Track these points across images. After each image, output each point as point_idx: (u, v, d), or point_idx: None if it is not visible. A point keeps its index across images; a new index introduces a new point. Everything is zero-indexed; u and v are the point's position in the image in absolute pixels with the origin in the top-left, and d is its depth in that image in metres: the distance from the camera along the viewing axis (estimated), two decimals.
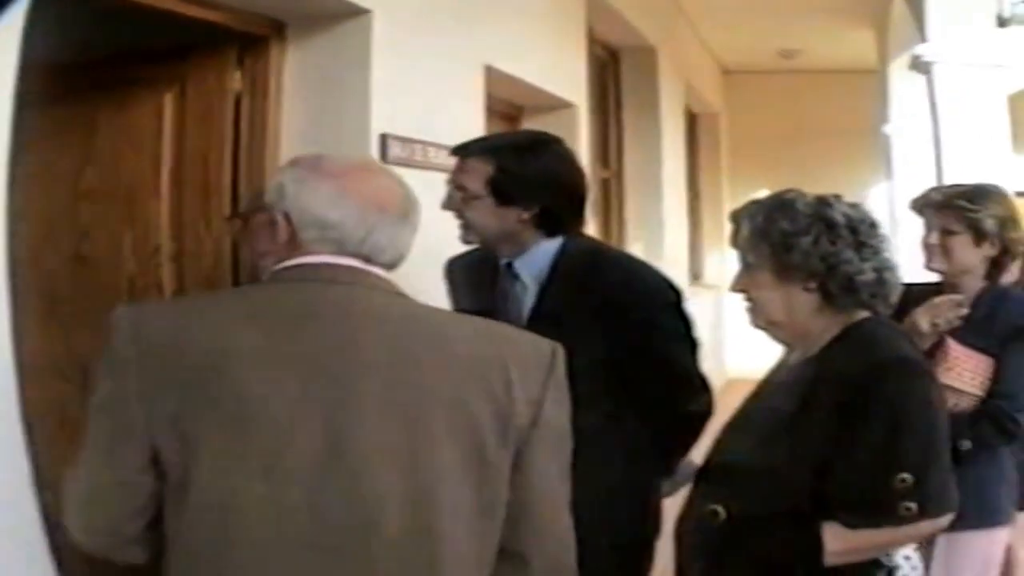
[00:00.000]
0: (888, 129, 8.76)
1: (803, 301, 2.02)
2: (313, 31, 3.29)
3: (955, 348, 2.78)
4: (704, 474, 2.15)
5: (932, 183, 4.32)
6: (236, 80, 3.22)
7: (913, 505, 1.86)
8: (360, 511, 1.44)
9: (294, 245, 1.57)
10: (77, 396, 2.48)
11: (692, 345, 2.54)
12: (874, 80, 9.40)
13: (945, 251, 2.90)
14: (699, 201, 10.55)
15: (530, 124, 5.38)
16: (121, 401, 1.45)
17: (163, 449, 1.44)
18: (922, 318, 2.73)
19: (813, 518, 1.90)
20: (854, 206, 2.04)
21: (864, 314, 2.03)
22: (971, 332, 2.81)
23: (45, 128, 3.04)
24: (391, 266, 1.61)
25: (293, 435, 1.44)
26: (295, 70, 3.29)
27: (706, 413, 2.54)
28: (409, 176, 1.71)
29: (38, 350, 2.55)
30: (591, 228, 5.82)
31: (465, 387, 1.51)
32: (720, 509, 1.96)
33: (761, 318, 2.08)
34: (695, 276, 9.86)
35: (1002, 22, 6.06)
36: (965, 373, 2.78)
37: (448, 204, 2.46)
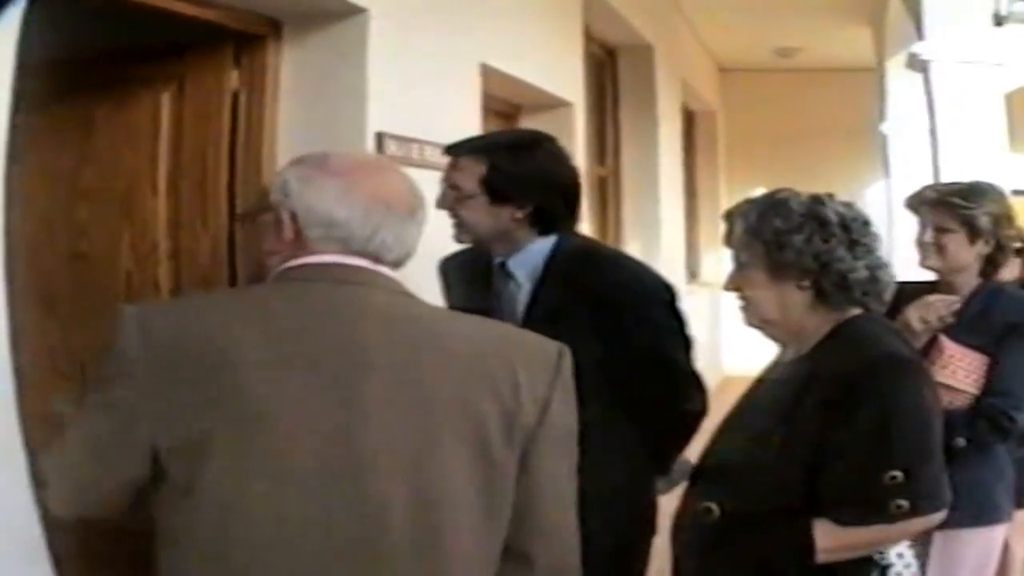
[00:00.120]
0: (885, 127, 8.78)
1: (797, 299, 2.02)
2: (310, 30, 3.29)
3: (950, 346, 2.79)
4: (699, 472, 2.15)
5: (929, 181, 4.33)
6: (233, 79, 3.22)
7: (904, 502, 1.86)
8: (365, 512, 1.44)
9: (300, 244, 1.56)
10: (75, 394, 2.48)
11: (686, 343, 2.55)
12: (871, 78, 9.41)
13: (940, 249, 2.90)
14: (696, 199, 10.55)
15: (527, 123, 5.38)
16: (124, 402, 1.44)
17: (165, 449, 1.43)
18: (913, 316, 2.74)
19: (805, 515, 1.90)
20: (847, 204, 2.05)
21: (857, 312, 2.03)
22: (966, 330, 2.82)
23: (42, 127, 3.04)
24: (398, 264, 1.60)
25: (299, 435, 1.43)
26: (292, 69, 3.29)
27: (700, 411, 2.55)
28: None
29: (36, 348, 2.56)
30: (588, 226, 5.85)
31: (471, 388, 1.51)
32: (714, 507, 1.97)
33: (755, 317, 2.08)
34: (692, 274, 9.87)
35: (999, 20, 6.06)
36: (960, 371, 2.78)
37: (441, 203, 2.46)
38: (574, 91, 5.66)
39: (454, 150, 2.52)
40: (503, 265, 2.52)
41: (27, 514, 1.97)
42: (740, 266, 2.09)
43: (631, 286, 2.51)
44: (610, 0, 6.43)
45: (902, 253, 3.36)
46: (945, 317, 2.78)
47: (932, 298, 2.80)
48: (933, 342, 2.78)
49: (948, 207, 2.89)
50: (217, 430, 1.42)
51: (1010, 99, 6.29)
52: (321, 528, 1.43)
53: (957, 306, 2.79)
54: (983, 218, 2.87)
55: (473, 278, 2.59)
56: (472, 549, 1.51)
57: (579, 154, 5.51)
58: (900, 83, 8.12)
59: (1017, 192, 4.50)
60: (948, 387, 2.71)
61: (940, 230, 2.90)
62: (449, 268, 2.74)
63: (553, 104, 5.44)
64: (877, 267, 2.01)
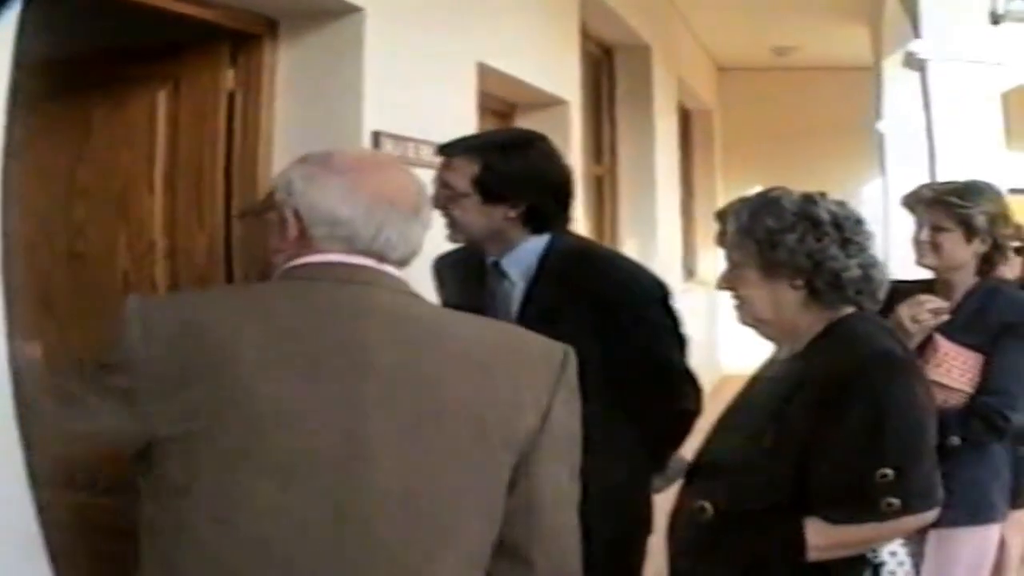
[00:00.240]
0: (882, 126, 8.79)
1: (790, 298, 2.02)
2: (306, 29, 3.29)
3: (944, 345, 2.79)
4: (694, 470, 2.16)
5: (926, 180, 4.34)
6: (229, 78, 3.22)
7: (895, 500, 1.86)
8: (365, 511, 1.44)
9: (304, 243, 1.56)
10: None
11: (681, 342, 2.55)
12: (868, 77, 9.42)
13: (936, 247, 2.91)
14: (692, 198, 10.54)
15: (523, 121, 5.38)
16: (123, 393, 1.44)
17: (161, 439, 1.43)
18: (904, 315, 2.75)
19: (797, 513, 1.91)
20: (839, 203, 2.05)
21: (850, 310, 2.04)
22: (962, 328, 2.83)
23: (39, 126, 3.03)
24: (403, 263, 1.59)
25: (299, 434, 1.43)
26: (288, 68, 3.29)
27: (695, 410, 2.55)
28: None
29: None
30: (585, 224, 5.85)
31: (472, 389, 1.50)
32: (707, 505, 1.97)
33: (749, 315, 2.09)
34: (689, 273, 9.87)
35: (995, 19, 6.07)
36: (954, 370, 2.79)
37: (434, 203, 2.46)
38: (571, 90, 5.66)
39: (447, 150, 2.52)
40: (496, 264, 2.53)
41: (24, 512, 1.97)
42: (733, 265, 2.09)
43: (629, 286, 2.51)
44: None
45: (899, 251, 3.36)
46: (941, 316, 2.77)
47: (923, 297, 2.81)
48: (928, 341, 2.79)
49: (944, 206, 2.89)
50: (218, 426, 1.42)
51: (1007, 98, 6.31)
52: (319, 526, 1.42)
53: (946, 317, 2.78)
54: (979, 217, 2.88)
55: (466, 277, 2.60)
56: (467, 548, 1.51)
57: (575, 153, 5.52)
58: (897, 82, 8.14)
59: (1013, 191, 4.50)
60: (943, 385, 2.72)
61: (936, 229, 2.90)
62: (442, 267, 2.73)
63: (550, 103, 5.44)
64: (870, 265, 2.01)
